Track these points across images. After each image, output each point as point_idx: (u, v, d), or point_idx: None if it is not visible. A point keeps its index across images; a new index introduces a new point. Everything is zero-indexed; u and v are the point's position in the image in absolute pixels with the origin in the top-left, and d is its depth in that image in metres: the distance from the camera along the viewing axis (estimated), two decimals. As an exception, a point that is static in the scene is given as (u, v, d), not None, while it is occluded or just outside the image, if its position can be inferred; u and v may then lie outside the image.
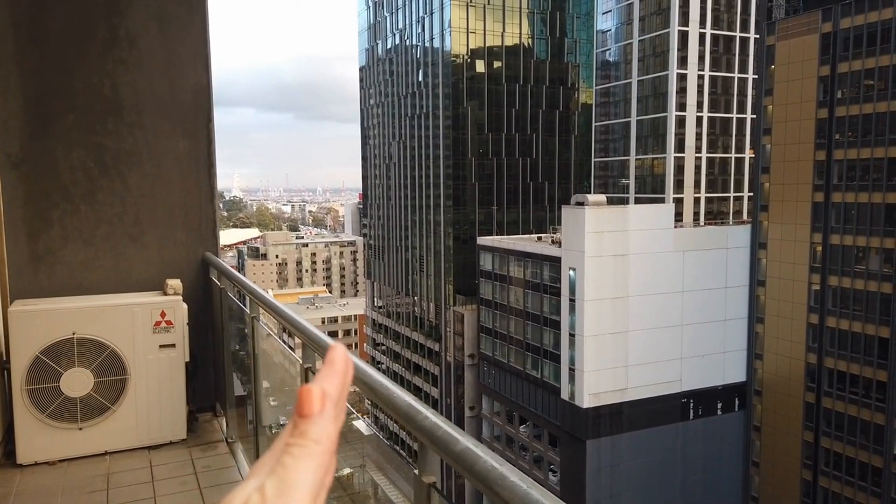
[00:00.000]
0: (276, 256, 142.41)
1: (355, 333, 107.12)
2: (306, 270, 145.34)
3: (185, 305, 5.05)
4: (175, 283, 5.12)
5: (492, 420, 58.24)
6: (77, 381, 4.65)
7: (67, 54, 5.07)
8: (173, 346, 4.97)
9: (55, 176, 5.05)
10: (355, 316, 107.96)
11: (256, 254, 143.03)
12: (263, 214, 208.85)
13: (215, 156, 5.65)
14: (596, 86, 68.83)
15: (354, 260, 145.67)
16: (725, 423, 48.15)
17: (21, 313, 4.57)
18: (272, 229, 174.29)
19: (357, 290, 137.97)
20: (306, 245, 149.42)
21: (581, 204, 44.89)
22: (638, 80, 62.23)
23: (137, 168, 5.29)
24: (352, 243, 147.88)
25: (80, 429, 4.67)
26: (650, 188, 62.33)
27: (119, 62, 5.18)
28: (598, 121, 68.57)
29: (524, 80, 69.98)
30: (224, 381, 5.20)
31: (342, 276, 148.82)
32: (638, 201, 61.10)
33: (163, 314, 4.94)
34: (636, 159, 63.57)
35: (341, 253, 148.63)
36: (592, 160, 69.89)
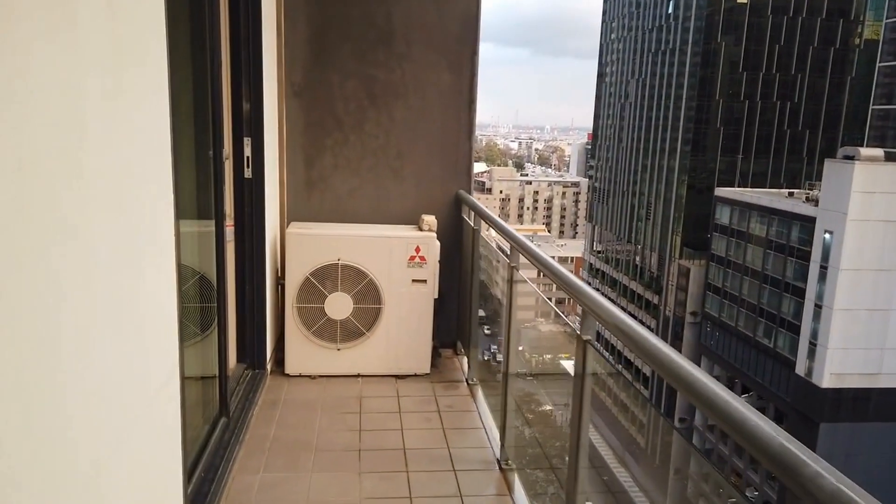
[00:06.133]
0: (500, 192, 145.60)
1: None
2: (527, 208, 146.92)
3: (438, 242, 5.03)
4: (430, 220, 5.11)
5: (709, 383, 55.16)
6: (339, 305, 4.89)
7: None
8: (424, 281, 5.00)
9: (330, 105, 5.22)
10: (572, 258, 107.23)
11: (482, 187, 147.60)
12: (491, 150, 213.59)
13: (477, 90, 5.46)
14: (886, 18, 58.22)
15: (576, 201, 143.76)
16: None
17: (296, 235, 4.86)
18: (498, 165, 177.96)
19: (576, 233, 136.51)
20: (530, 182, 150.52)
21: (850, 158, 39.36)
22: (947, 11, 51.18)
23: (402, 100, 5.29)
24: (575, 184, 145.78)
25: (339, 349, 4.94)
26: (945, 144, 51.99)
27: (393, -11, 5.14)
28: (884, 61, 58.13)
29: (794, 11, 61.15)
30: (469, 321, 5.14)
31: (562, 217, 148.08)
32: (925, 159, 51.47)
33: (417, 249, 4.96)
34: (930, 108, 53.22)
35: (564, 193, 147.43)
36: (870, 107, 59.77)
